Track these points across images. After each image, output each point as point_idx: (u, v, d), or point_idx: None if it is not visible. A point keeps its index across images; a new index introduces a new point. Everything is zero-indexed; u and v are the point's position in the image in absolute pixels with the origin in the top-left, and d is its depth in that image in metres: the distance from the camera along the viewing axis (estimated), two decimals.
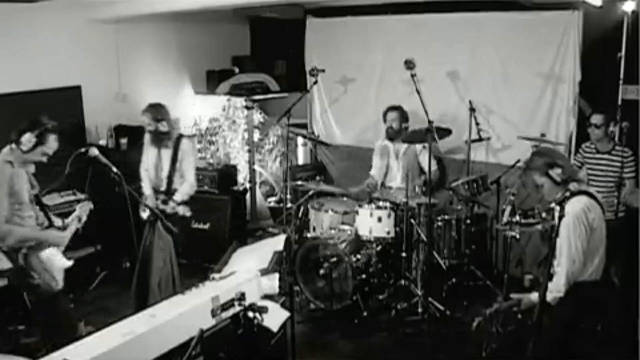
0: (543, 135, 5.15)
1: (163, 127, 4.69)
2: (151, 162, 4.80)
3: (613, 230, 3.40)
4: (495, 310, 3.36)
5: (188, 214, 4.72)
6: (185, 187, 4.74)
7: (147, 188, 4.83)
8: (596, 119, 4.62)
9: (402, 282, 4.99)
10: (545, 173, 3.25)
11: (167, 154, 4.74)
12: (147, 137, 4.82)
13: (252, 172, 6.96)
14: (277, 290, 3.19)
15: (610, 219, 4.32)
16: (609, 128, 4.56)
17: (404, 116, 5.54)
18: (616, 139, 4.72)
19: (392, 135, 5.57)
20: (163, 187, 4.76)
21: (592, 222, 3.10)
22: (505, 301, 3.48)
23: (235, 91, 6.74)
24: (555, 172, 3.22)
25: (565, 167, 3.25)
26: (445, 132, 5.01)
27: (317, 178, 5.64)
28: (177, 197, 4.67)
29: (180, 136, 4.84)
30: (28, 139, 3.65)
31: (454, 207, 5.41)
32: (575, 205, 3.06)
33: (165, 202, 4.67)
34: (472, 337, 4.19)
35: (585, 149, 4.80)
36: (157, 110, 4.73)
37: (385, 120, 5.60)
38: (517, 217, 4.27)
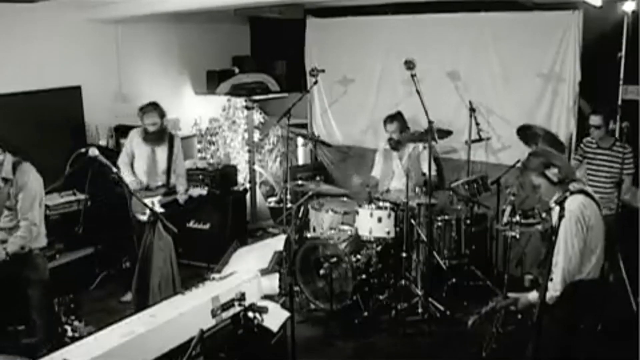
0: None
1: (162, 125, 5.03)
2: (144, 159, 5.05)
3: (611, 226, 3.38)
4: (492, 309, 3.34)
5: (204, 192, 4.99)
6: (181, 180, 5.15)
7: (134, 183, 4.99)
8: (594, 120, 4.64)
9: (402, 282, 4.99)
10: (542, 173, 3.24)
11: (162, 151, 5.07)
12: (137, 135, 5.07)
13: (252, 172, 6.96)
14: (277, 290, 3.19)
15: (609, 214, 4.32)
16: (608, 127, 4.57)
17: (403, 125, 5.43)
18: (617, 135, 4.71)
19: (394, 146, 5.47)
20: (160, 183, 5.09)
21: (588, 220, 3.09)
22: (503, 300, 3.47)
23: (235, 91, 6.74)
24: (552, 172, 3.22)
25: (561, 167, 3.25)
26: (445, 134, 5.00)
27: (317, 178, 5.63)
28: (181, 189, 5.01)
29: (172, 134, 5.19)
30: None
31: (454, 207, 5.40)
32: (571, 204, 3.06)
33: (168, 195, 4.93)
34: (472, 337, 4.20)
35: (587, 143, 4.81)
36: (160, 109, 5.02)
37: (386, 130, 5.50)
38: (517, 217, 4.27)
